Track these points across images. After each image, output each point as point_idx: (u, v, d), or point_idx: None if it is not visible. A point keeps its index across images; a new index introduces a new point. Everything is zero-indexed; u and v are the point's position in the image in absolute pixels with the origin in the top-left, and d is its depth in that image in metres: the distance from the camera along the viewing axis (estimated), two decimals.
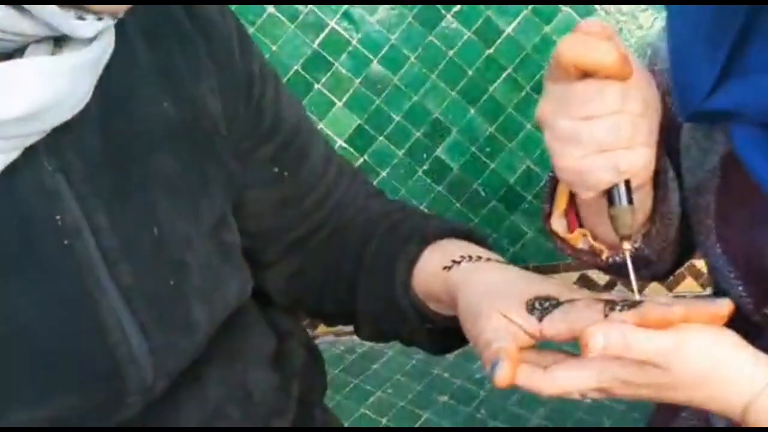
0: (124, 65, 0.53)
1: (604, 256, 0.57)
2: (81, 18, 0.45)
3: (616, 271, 0.60)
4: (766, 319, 0.58)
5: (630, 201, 0.50)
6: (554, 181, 0.58)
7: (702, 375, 0.47)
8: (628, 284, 0.52)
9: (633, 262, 0.56)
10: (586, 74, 0.47)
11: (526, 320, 0.52)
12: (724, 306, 0.47)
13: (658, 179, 0.56)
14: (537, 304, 0.53)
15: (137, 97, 0.56)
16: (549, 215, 0.58)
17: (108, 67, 0.51)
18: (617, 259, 0.57)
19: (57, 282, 0.50)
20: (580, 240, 0.57)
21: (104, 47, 0.49)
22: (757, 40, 0.52)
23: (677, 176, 0.63)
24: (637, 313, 0.47)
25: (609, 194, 0.50)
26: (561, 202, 0.57)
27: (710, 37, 0.54)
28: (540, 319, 0.52)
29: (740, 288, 0.59)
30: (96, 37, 0.48)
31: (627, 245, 0.52)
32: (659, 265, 0.65)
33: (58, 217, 0.50)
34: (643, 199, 0.56)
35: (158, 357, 0.54)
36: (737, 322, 0.49)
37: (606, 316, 0.49)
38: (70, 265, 0.51)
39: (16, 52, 0.47)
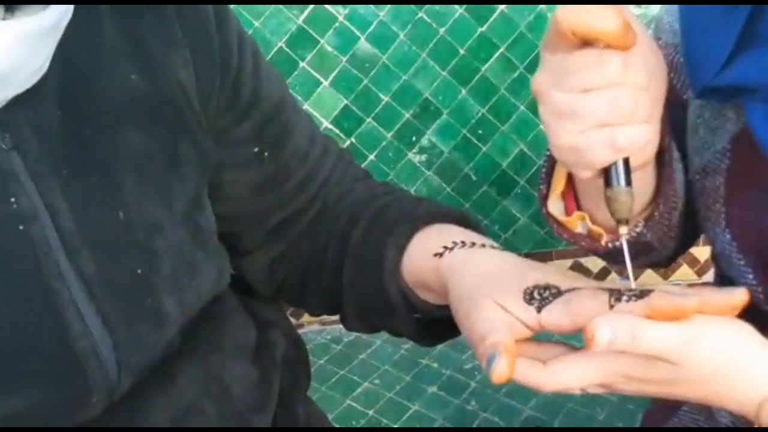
0: (87, 34, 0.51)
1: (603, 241, 0.54)
2: None
3: (614, 257, 0.57)
4: None
5: (628, 182, 0.47)
6: (552, 161, 0.55)
7: (715, 370, 0.45)
8: (623, 271, 0.49)
9: (634, 248, 0.55)
10: (585, 43, 0.44)
11: (523, 310, 0.49)
12: (740, 296, 0.44)
13: (662, 159, 0.54)
14: (536, 294, 0.50)
15: (102, 69, 0.53)
16: (546, 197, 0.55)
17: (69, 37, 0.48)
18: (617, 244, 0.54)
19: (12, 270, 0.47)
20: (578, 224, 0.55)
21: (62, 12, 0.46)
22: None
23: (682, 158, 0.61)
24: (646, 304, 0.44)
25: (606, 174, 0.47)
26: (558, 183, 0.54)
27: (725, 8, 0.51)
28: (539, 310, 0.49)
29: (750, 276, 0.57)
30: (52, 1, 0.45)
31: (624, 230, 0.49)
32: (660, 252, 0.63)
33: (12, 200, 0.47)
34: (647, 180, 0.53)
35: (123, 352, 0.51)
36: (747, 314, 0.46)
37: (612, 307, 0.46)
38: (26, 252, 0.48)
39: None
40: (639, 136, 0.45)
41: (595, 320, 0.43)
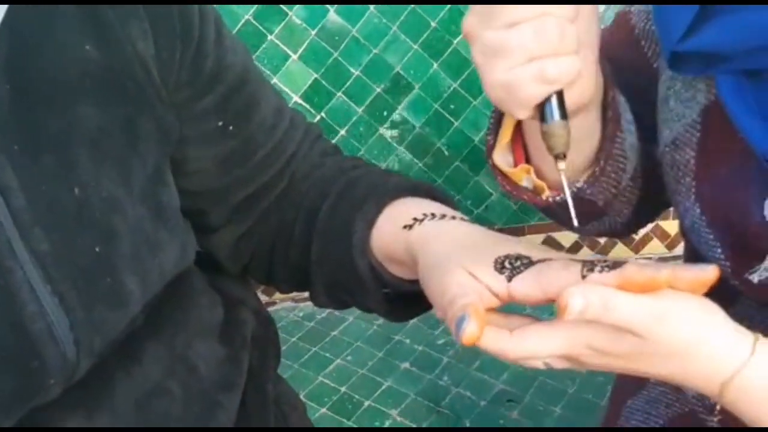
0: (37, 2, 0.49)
1: (544, 195, 0.54)
2: None
3: (556, 213, 0.57)
4: (745, 285, 0.56)
5: (564, 116, 0.47)
6: (499, 112, 0.55)
7: (682, 347, 0.45)
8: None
9: (578, 206, 0.54)
10: None
11: (493, 279, 0.49)
12: (711, 272, 0.45)
13: (605, 114, 0.54)
14: (507, 263, 0.49)
15: (54, 40, 0.51)
16: (492, 147, 0.55)
17: (18, 6, 0.46)
18: (557, 199, 0.54)
19: None
20: (523, 177, 0.54)
21: None
22: None
23: (651, 128, 0.60)
24: (619, 275, 0.44)
25: (541, 111, 0.47)
26: (505, 133, 0.54)
27: None
28: (510, 279, 0.49)
29: (719, 251, 0.56)
30: None
31: (562, 165, 0.48)
32: (612, 218, 0.63)
33: None
34: (588, 127, 0.54)
35: (81, 333, 0.50)
36: (715, 288, 0.46)
37: (584, 277, 0.46)
38: None
39: None
40: (568, 66, 0.45)
41: (569, 289, 0.43)
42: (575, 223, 0.49)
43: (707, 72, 0.53)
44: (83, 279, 0.50)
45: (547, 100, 0.46)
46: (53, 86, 0.50)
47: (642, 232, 1.39)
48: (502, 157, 0.55)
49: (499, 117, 0.55)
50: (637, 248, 1.43)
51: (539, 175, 0.55)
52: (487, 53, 0.46)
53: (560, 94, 0.46)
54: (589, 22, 0.47)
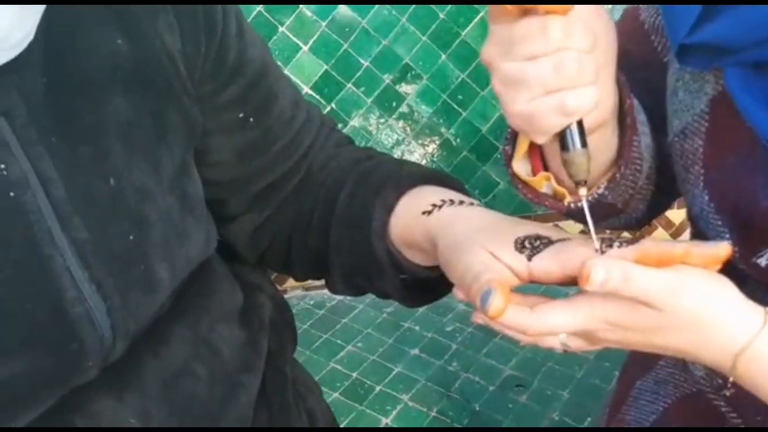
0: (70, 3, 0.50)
1: (566, 201, 0.55)
2: None
3: (578, 217, 0.58)
4: (753, 269, 0.57)
5: (584, 144, 0.48)
6: None
7: (697, 319, 0.46)
8: (596, 233, 0.50)
9: (599, 210, 0.56)
10: (527, 12, 0.45)
11: (514, 259, 0.50)
12: (723, 248, 0.46)
13: (623, 122, 0.55)
14: (527, 243, 0.51)
15: (87, 34, 0.52)
16: (511, 157, 0.56)
17: (53, 5, 0.47)
18: (579, 205, 0.55)
19: (4, 237, 0.47)
20: (543, 184, 0.55)
21: None
22: None
23: (662, 120, 0.61)
24: (637, 249, 0.46)
25: (562, 138, 0.48)
26: (523, 144, 0.55)
27: None
28: (530, 258, 0.50)
29: (727, 236, 0.57)
30: None
31: (583, 191, 0.50)
32: (629, 215, 0.64)
33: (2, 167, 0.47)
34: (605, 141, 0.54)
35: (117, 317, 0.52)
36: (724, 271, 0.48)
37: (603, 252, 0.47)
38: (19, 220, 0.47)
39: None
40: (587, 98, 0.45)
41: (590, 261, 0.45)
42: (596, 245, 0.49)
43: (715, 64, 0.54)
44: (118, 266, 0.51)
45: (567, 128, 0.47)
46: (87, 80, 0.51)
47: (651, 222, 1.41)
48: (521, 165, 0.55)
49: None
50: (641, 236, 1.44)
51: (558, 181, 0.55)
52: (507, 83, 0.46)
53: (580, 123, 0.47)
54: (607, 47, 0.48)
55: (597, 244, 0.49)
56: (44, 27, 0.48)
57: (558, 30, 0.44)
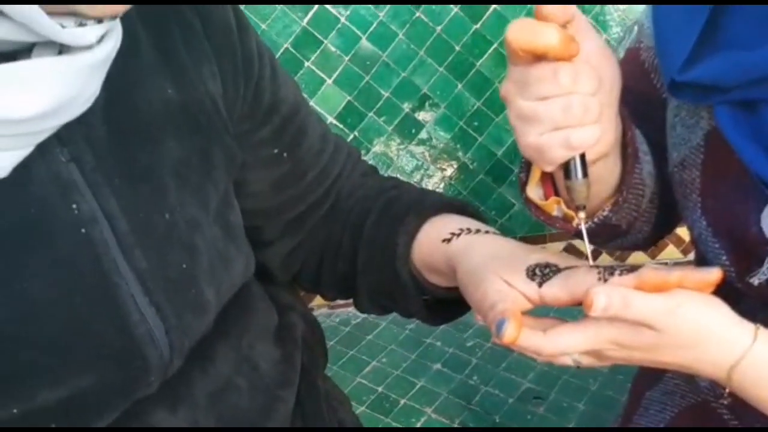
0: (126, 54, 0.53)
1: (574, 223, 0.59)
2: (82, 24, 0.45)
3: (590, 237, 0.61)
4: (747, 287, 0.60)
5: (585, 174, 0.52)
6: None
7: (693, 337, 0.50)
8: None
9: (603, 230, 0.59)
10: (539, 57, 0.48)
11: (526, 285, 0.54)
12: (715, 273, 0.49)
13: (625, 151, 0.58)
14: (537, 270, 0.54)
15: (141, 85, 0.56)
16: (525, 184, 0.59)
17: (113, 61, 0.51)
18: (586, 226, 0.59)
19: (76, 269, 0.51)
20: (554, 208, 0.58)
21: (114, 43, 0.50)
22: (733, 14, 0.54)
23: (663, 152, 0.65)
24: (636, 277, 0.50)
25: (566, 168, 0.52)
26: (536, 172, 0.58)
27: (687, 11, 0.56)
28: (540, 285, 0.54)
29: (724, 257, 0.61)
30: (104, 36, 0.48)
31: (582, 215, 0.54)
32: (635, 235, 0.68)
33: (74, 206, 0.51)
34: (609, 169, 0.58)
35: (174, 336, 0.56)
36: (721, 289, 0.51)
37: (605, 280, 0.51)
38: (89, 252, 0.51)
39: (21, 52, 0.46)
40: (589, 135, 0.49)
41: (593, 289, 0.48)
42: (589, 255, 0.54)
43: (705, 101, 0.58)
44: (174, 291, 0.55)
45: (571, 159, 0.51)
46: (143, 126, 0.56)
47: (659, 242, 1.41)
48: (534, 191, 0.59)
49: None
50: (653, 254, 1.45)
51: (567, 205, 0.58)
52: (521, 118, 0.50)
53: (582, 156, 0.51)
54: (612, 87, 0.52)
55: (591, 260, 0.53)
56: (106, 81, 0.51)
57: (567, 76, 0.48)
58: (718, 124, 0.57)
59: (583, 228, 0.55)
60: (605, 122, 0.51)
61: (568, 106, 0.48)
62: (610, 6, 1.32)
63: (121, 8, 0.47)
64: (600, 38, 0.52)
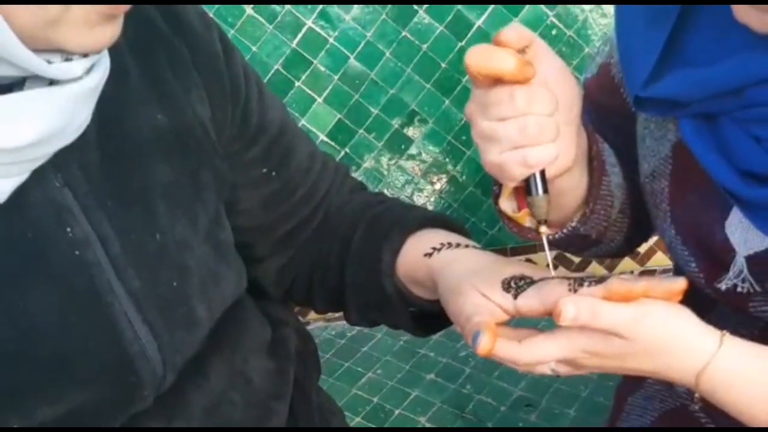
0: (116, 81, 0.55)
1: (543, 235, 0.61)
2: (68, 59, 0.47)
3: (560, 246, 0.64)
4: (716, 293, 0.62)
5: (545, 190, 0.53)
6: None
7: (660, 344, 0.51)
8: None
9: (573, 240, 0.61)
10: (497, 80, 0.50)
11: (502, 298, 0.56)
12: (680, 283, 0.51)
13: (591, 165, 0.61)
14: (512, 283, 0.57)
15: (132, 112, 0.58)
16: (498, 196, 0.61)
17: (103, 89, 0.52)
18: (556, 236, 0.62)
19: (72, 289, 0.53)
20: (526, 219, 0.60)
21: (102, 73, 0.51)
22: (692, 31, 0.56)
23: (635, 162, 0.67)
24: (603, 287, 0.51)
25: (527, 184, 0.54)
26: (507, 185, 0.61)
27: (651, 24, 0.58)
28: (515, 297, 0.56)
29: (693, 265, 0.63)
30: (92, 67, 0.50)
31: (544, 228, 0.56)
32: (608, 245, 0.69)
33: (68, 230, 0.53)
34: (576, 182, 0.60)
35: (166, 353, 0.58)
36: (692, 296, 0.53)
37: (575, 291, 0.53)
38: (83, 274, 0.53)
39: (15, 84, 0.48)
40: (546, 154, 0.51)
41: (562, 300, 0.50)
42: (551, 265, 0.56)
43: (669, 114, 0.60)
44: (166, 308, 0.57)
45: (531, 176, 0.53)
46: (134, 150, 0.57)
47: (646, 246, 1.41)
48: (507, 203, 0.60)
49: None
50: (642, 261, 1.45)
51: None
52: (483, 137, 0.52)
53: (542, 173, 0.53)
54: (571, 106, 0.54)
55: (551, 265, 0.55)
56: (97, 109, 0.53)
57: (523, 98, 0.50)
58: (681, 134, 0.58)
59: (545, 241, 0.57)
60: (565, 140, 0.53)
61: (524, 127, 0.50)
62: (593, 20, 1.34)
63: (104, 44, 0.49)
64: (559, 60, 0.54)
